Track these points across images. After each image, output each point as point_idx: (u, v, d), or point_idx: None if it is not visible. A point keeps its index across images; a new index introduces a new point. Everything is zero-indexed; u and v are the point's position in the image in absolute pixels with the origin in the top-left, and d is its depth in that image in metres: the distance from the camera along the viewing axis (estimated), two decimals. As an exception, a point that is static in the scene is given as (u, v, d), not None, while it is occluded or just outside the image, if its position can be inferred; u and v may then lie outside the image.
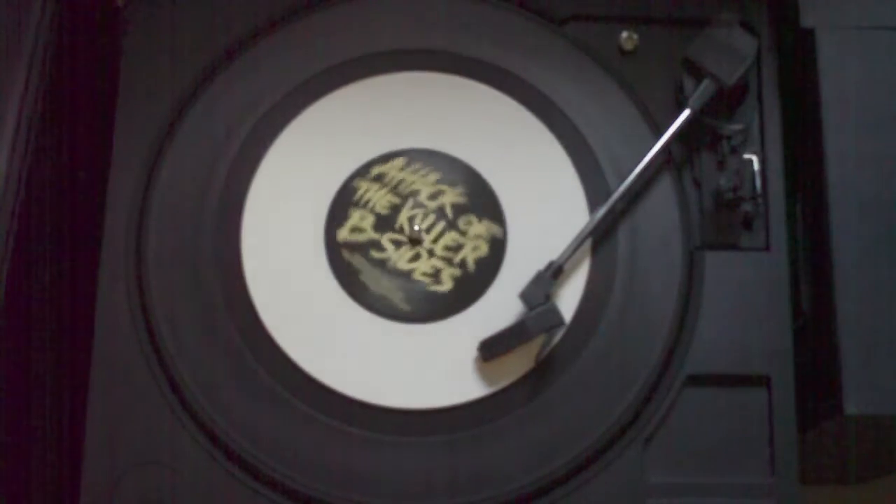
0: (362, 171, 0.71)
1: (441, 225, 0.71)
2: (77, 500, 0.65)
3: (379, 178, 0.71)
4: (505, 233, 0.71)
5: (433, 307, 0.69)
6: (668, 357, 0.69)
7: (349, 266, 0.70)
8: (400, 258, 0.70)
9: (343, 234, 0.70)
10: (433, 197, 0.71)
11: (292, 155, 0.72)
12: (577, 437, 0.67)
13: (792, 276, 0.71)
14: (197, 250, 0.70)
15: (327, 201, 0.71)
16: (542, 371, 0.68)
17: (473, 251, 0.70)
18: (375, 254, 0.70)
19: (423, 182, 0.71)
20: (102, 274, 0.69)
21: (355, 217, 0.70)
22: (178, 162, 0.71)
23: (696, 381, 0.69)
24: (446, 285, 0.69)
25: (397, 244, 0.70)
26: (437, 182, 0.71)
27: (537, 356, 0.68)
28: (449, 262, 0.70)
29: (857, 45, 0.72)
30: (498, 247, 0.70)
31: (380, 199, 0.71)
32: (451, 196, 0.71)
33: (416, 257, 0.70)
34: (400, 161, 0.72)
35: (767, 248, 0.71)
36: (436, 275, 0.70)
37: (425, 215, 0.71)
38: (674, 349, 0.69)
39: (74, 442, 0.69)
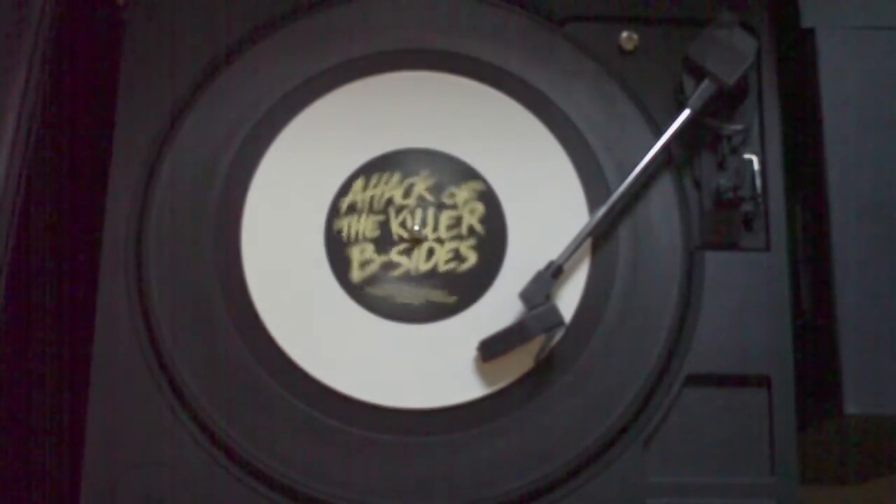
0: (333, 213, 0.71)
1: (430, 211, 0.71)
2: (77, 500, 0.65)
3: (352, 209, 0.71)
4: (490, 187, 0.71)
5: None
6: (668, 357, 0.69)
7: (367, 284, 0.70)
8: (417, 263, 0.70)
9: (356, 275, 0.70)
10: (406, 194, 0.71)
11: (292, 155, 0.72)
12: (577, 437, 0.67)
13: (792, 276, 0.71)
14: (197, 250, 0.70)
15: (327, 201, 0.71)
16: (542, 371, 0.68)
17: (472, 214, 0.70)
18: (395, 273, 0.70)
19: (389, 186, 0.71)
20: (102, 274, 0.69)
21: (356, 254, 0.70)
22: (178, 162, 0.71)
23: (696, 381, 0.69)
24: (471, 259, 0.70)
25: (408, 253, 0.70)
26: (402, 179, 0.71)
27: (537, 356, 0.68)
28: (459, 237, 0.70)
29: (857, 45, 0.72)
30: (490, 199, 0.70)
31: (365, 225, 0.71)
32: (421, 183, 0.71)
33: (431, 253, 0.70)
34: (360, 182, 0.71)
35: (767, 248, 0.71)
36: (456, 256, 0.70)
37: (412, 212, 0.71)
38: (674, 349, 0.69)
39: (74, 442, 0.69)
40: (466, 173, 0.71)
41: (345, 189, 0.71)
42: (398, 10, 0.75)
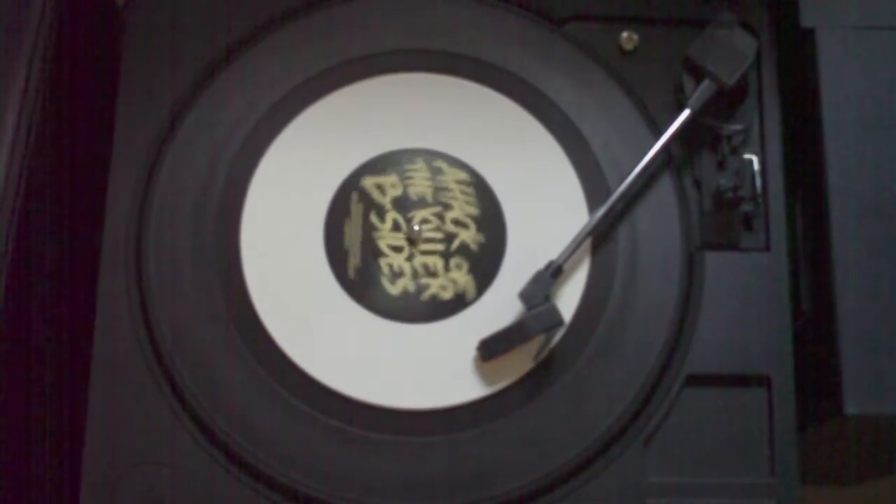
0: (431, 156, 0.71)
1: (439, 247, 0.70)
2: (77, 500, 0.65)
3: (436, 171, 0.71)
4: (474, 293, 0.70)
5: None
6: (668, 357, 0.69)
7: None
8: (386, 237, 0.70)
9: (369, 181, 0.70)
10: (456, 223, 0.71)
11: (292, 155, 0.72)
12: (577, 437, 0.67)
13: (792, 276, 0.71)
14: (197, 250, 0.70)
15: (327, 201, 0.71)
16: (542, 371, 0.68)
17: (439, 289, 0.70)
18: (374, 218, 0.70)
19: (460, 204, 0.71)
20: (102, 274, 0.69)
21: (390, 178, 0.70)
22: (178, 162, 0.71)
23: (696, 381, 0.69)
24: (395, 289, 0.69)
25: (396, 227, 0.70)
26: (469, 215, 0.71)
27: (537, 356, 0.68)
28: (414, 276, 0.70)
29: (857, 45, 0.72)
30: (458, 302, 0.69)
31: (419, 184, 0.71)
32: (468, 235, 0.71)
33: (398, 249, 0.70)
34: (462, 174, 0.71)
35: (767, 248, 0.71)
36: (393, 273, 0.70)
37: (437, 229, 0.71)
38: (674, 349, 0.69)
39: (74, 442, 0.69)
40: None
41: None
42: (398, 10, 0.75)
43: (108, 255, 0.70)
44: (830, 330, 0.68)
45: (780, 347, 0.69)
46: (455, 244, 0.70)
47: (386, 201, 0.71)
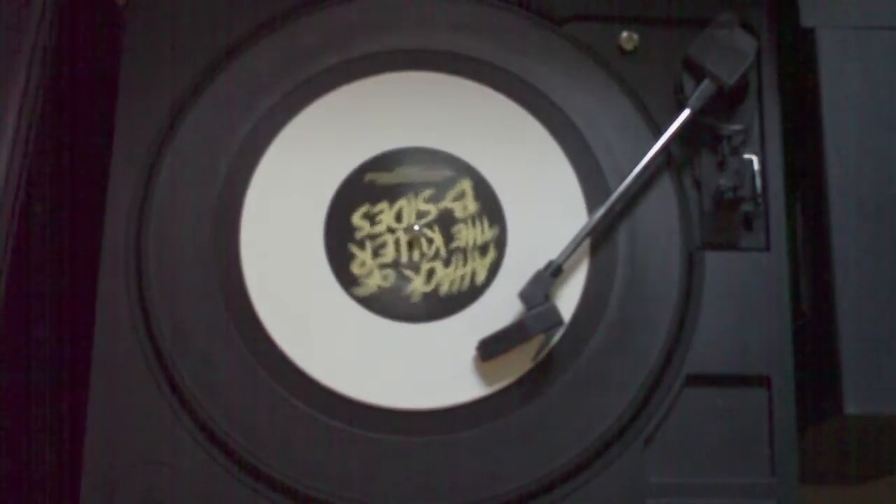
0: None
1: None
2: (77, 500, 0.65)
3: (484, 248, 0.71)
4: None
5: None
6: (667, 357, 0.69)
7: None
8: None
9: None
10: (429, 272, 0.71)
11: (292, 155, 0.72)
12: (577, 437, 0.67)
13: (792, 276, 0.71)
14: (196, 250, 0.70)
15: (327, 201, 0.71)
16: (542, 371, 0.68)
17: (439, 283, 0.70)
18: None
19: (462, 268, 0.71)
20: (102, 274, 0.69)
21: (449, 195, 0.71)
22: (178, 162, 0.71)
23: (696, 381, 0.69)
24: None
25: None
26: (452, 281, 0.71)
27: (536, 356, 0.68)
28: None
29: (857, 45, 0.72)
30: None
31: (462, 230, 0.71)
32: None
33: (392, 230, 0.70)
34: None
35: (767, 248, 0.71)
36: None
37: (425, 256, 0.71)
38: (674, 349, 0.69)
39: (74, 442, 0.69)
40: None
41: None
42: (398, 10, 0.75)
43: (108, 255, 0.70)
44: (830, 330, 0.68)
45: (780, 347, 0.69)
46: (416, 274, 0.70)
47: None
